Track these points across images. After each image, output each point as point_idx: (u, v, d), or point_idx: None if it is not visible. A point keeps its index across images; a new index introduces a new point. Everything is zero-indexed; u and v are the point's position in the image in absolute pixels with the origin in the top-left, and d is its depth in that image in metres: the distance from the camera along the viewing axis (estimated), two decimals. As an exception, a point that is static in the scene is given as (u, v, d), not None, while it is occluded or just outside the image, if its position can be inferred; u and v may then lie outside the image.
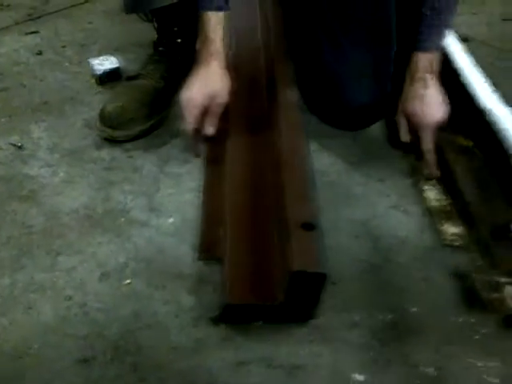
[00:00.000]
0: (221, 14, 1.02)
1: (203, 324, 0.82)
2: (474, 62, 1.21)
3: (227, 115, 1.06)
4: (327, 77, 1.12)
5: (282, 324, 0.81)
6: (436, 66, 1.05)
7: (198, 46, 1.03)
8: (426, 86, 1.04)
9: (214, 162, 1.06)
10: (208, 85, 1.02)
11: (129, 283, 0.87)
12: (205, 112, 1.02)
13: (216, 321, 0.82)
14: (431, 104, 1.04)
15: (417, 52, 1.05)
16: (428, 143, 1.05)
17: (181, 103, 1.03)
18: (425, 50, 1.04)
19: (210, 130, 1.03)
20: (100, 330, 0.80)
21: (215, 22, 1.01)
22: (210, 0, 1.01)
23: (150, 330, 0.81)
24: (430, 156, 1.05)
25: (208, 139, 1.06)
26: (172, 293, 0.86)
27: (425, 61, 1.04)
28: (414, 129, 1.06)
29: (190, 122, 1.01)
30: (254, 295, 0.80)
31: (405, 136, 1.08)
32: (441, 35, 1.05)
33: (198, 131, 1.03)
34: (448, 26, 1.07)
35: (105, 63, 1.30)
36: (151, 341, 0.79)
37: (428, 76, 1.04)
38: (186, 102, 1.02)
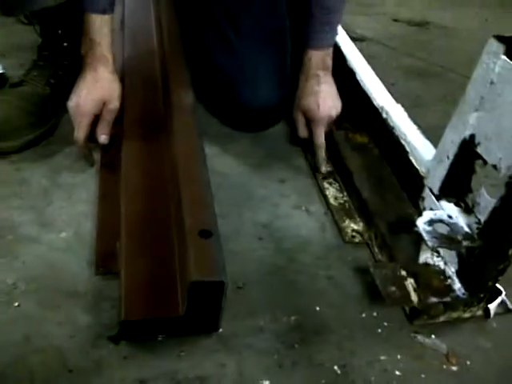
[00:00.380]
0: (106, 16, 0.97)
1: (102, 343, 0.77)
2: (369, 61, 1.24)
3: (121, 121, 1.02)
4: (223, 80, 1.11)
5: (186, 336, 0.78)
6: (328, 62, 1.08)
7: (83, 51, 0.99)
8: (319, 82, 1.06)
9: (108, 171, 1.01)
10: (97, 91, 0.97)
11: (18, 305, 0.80)
12: (96, 119, 0.98)
13: (116, 339, 0.77)
14: (325, 99, 1.06)
15: (309, 50, 1.06)
16: (320, 138, 1.07)
17: (69, 111, 0.98)
18: (316, 47, 1.06)
19: (102, 138, 1.00)
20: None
21: (100, 25, 0.97)
22: (93, 2, 0.96)
23: (43, 354, 0.75)
24: (321, 151, 1.07)
25: (102, 147, 1.01)
26: (66, 312, 0.80)
27: (317, 58, 1.06)
28: (310, 124, 1.08)
29: (80, 131, 0.97)
30: (153, 309, 0.76)
31: (302, 132, 1.10)
32: (331, 33, 1.08)
33: (90, 139, 0.98)
34: (338, 24, 1.10)
35: (-13, 70, 1.21)
36: (45, 365, 0.74)
37: (321, 72, 1.07)
38: (74, 111, 0.97)
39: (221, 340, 0.79)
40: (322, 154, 1.08)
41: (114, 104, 0.99)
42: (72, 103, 0.97)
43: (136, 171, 0.96)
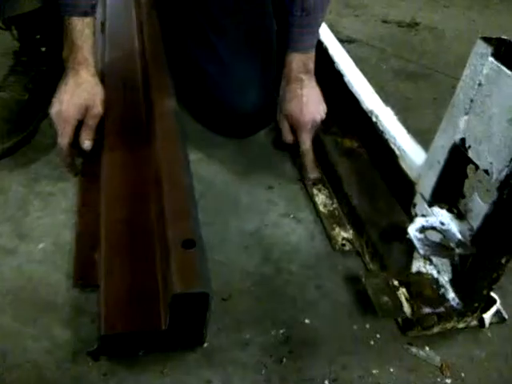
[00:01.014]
0: (87, 19, 0.95)
1: (81, 359, 0.74)
2: (358, 63, 1.22)
3: (102, 127, 0.99)
4: (207, 84, 1.09)
5: (169, 352, 0.75)
6: (310, 65, 1.06)
7: (64, 54, 0.96)
8: (302, 86, 1.04)
9: (89, 179, 0.98)
10: (79, 95, 0.94)
11: (-7, 320, 0.77)
12: (79, 125, 0.95)
13: (95, 354, 0.74)
14: (308, 104, 1.04)
15: (290, 52, 1.04)
16: (306, 143, 1.04)
17: (51, 117, 0.95)
18: (298, 50, 1.04)
19: (86, 144, 0.96)
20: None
21: (81, 28, 0.94)
22: (74, 5, 0.93)
23: (20, 371, 0.72)
24: (308, 157, 1.04)
25: (84, 154, 0.98)
26: (44, 326, 0.77)
27: (299, 61, 1.04)
28: (294, 129, 1.05)
29: (63, 137, 0.93)
30: (134, 322, 0.73)
31: (286, 137, 1.07)
32: (313, 35, 1.06)
33: (73, 146, 0.95)
34: (319, 26, 1.07)
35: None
36: (22, 382, 0.71)
37: (303, 76, 1.05)
38: (56, 116, 0.94)
39: (206, 355, 0.76)
40: (308, 160, 1.05)
41: (98, 109, 0.96)
42: (54, 109, 0.94)
43: (117, 179, 0.93)
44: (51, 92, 0.96)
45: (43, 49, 1.10)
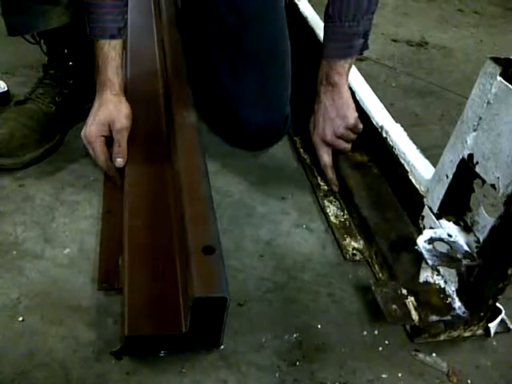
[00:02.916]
0: (113, 42, 0.99)
1: (105, 358, 0.77)
2: (368, 81, 1.26)
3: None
4: (225, 99, 1.12)
5: (188, 352, 0.79)
6: (334, 77, 1.06)
7: (95, 76, 1.01)
8: (318, 101, 1.07)
9: (112, 187, 1.02)
10: (101, 114, 0.98)
11: (22, 320, 0.81)
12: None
13: (118, 354, 0.78)
14: (319, 119, 1.07)
15: (325, 60, 1.06)
16: (321, 158, 1.09)
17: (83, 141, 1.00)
18: (324, 57, 1.06)
19: (118, 162, 1.00)
20: (-10, 373, 0.74)
21: (107, 51, 0.98)
22: (102, 28, 0.97)
23: (47, 369, 0.75)
24: (327, 172, 1.08)
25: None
26: (69, 327, 0.81)
27: (322, 70, 1.06)
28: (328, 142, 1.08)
29: (96, 158, 0.98)
30: (155, 325, 0.77)
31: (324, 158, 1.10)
32: (349, 42, 1.05)
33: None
34: (359, 33, 1.05)
35: (-8, 87, 1.23)
36: (49, 380, 0.74)
37: (322, 88, 1.07)
38: (84, 139, 0.99)
39: (222, 356, 0.79)
40: (328, 174, 1.09)
41: (122, 122, 0.99)
42: (82, 132, 0.99)
43: (139, 188, 0.97)
44: (78, 105, 1.01)
45: (71, 63, 1.14)
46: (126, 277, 0.82)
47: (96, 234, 0.95)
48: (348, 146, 1.10)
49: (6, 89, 1.24)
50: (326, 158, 1.09)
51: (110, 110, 0.99)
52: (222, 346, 0.80)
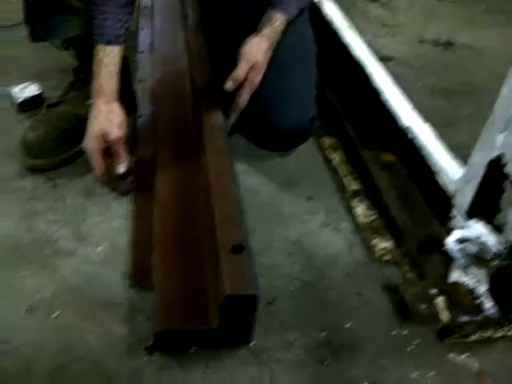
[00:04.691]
0: (109, 48, 0.99)
1: (138, 353, 0.79)
2: (394, 81, 1.26)
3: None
4: (252, 100, 1.12)
5: (218, 349, 0.80)
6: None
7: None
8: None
9: (142, 188, 1.04)
10: (94, 126, 0.98)
11: (57, 316, 0.83)
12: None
13: (151, 349, 0.80)
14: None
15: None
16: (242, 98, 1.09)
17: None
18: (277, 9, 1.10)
19: (118, 168, 1.00)
20: (29, 366, 0.76)
21: (102, 57, 0.99)
22: (100, 33, 0.99)
23: (82, 363, 0.78)
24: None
25: (124, 174, 1.02)
26: (103, 323, 0.83)
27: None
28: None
29: (95, 168, 0.98)
30: (186, 321, 0.79)
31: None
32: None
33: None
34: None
35: (25, 91, 1.26)
36: (84, 373, 0.77)
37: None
38: (85, 151, 0.99)
39: (252, 353, 0.80)
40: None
41: (114, 133, 0.98)
42: (83, 144, 0.99)
43: (169, 188, 0.99)
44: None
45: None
46: (157, 275, 0.84)
47: (127, 233, 0.96)
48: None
49: (39, 92, 1.27)
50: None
51: (101, 122, 0.98)
52: (252, 343, 0.81)
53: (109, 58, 0.99)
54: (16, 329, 0.81)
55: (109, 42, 0.99)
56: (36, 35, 1.12)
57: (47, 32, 1.10)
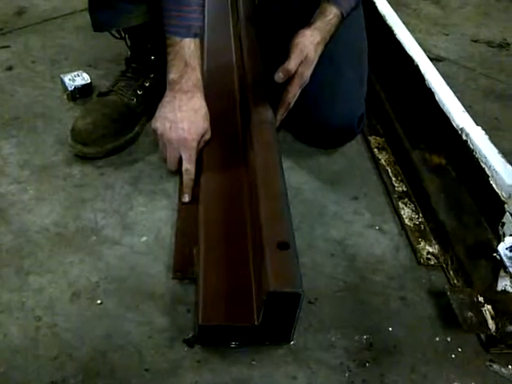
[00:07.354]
0: (197, 40, 1.00)
1: (178, 345, 0.80)
2: (447, 82, 1.23)
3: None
4: (302, 97, 1.11)
5: (258, 345, 0.80)
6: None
7: (171, 77, 0.99)
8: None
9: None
10: (200, 123, 1.00)
11: (100, 303, 0.84)
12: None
13: (191, 342, 0.80)
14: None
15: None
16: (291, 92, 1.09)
17: (160, 138, 1.01)
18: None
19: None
20: (70, 352, 0.78)
21: (194, 49, 0.99)
22: (187, 27, 0.98)
23: (123, 351, 0.78)
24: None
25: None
26: (145, 313, 0.83)
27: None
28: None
29: (190, 162, 0.99)
30: (228, 316, 0.78)
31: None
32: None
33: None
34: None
35: (76, 79, 1.28)
36: (124, 362, 0.77)
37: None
38: (177, 142, 0.99)
39: (292, 352, 0.80)
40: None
41: (209, 135, 1.01)
42: (167, 132, 0.98)
43: (215, 182, 0.99)
44: (157, 98, 1.04)
45: (153, 57, 1.18)
46: (200, 267, 0.84)
47: (172, 225, 0.97)
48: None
49: (90, 81, 1.29)
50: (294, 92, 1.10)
51: (204, 120, 1.00)
52: (292, 342, 0.81)
53: (199, 51, 1.00)
54: (60, 313, 0.83)
55: (196, 35, 0.99)
56: (99, 24, 1.13)
57: (111, 21, 1.12)
